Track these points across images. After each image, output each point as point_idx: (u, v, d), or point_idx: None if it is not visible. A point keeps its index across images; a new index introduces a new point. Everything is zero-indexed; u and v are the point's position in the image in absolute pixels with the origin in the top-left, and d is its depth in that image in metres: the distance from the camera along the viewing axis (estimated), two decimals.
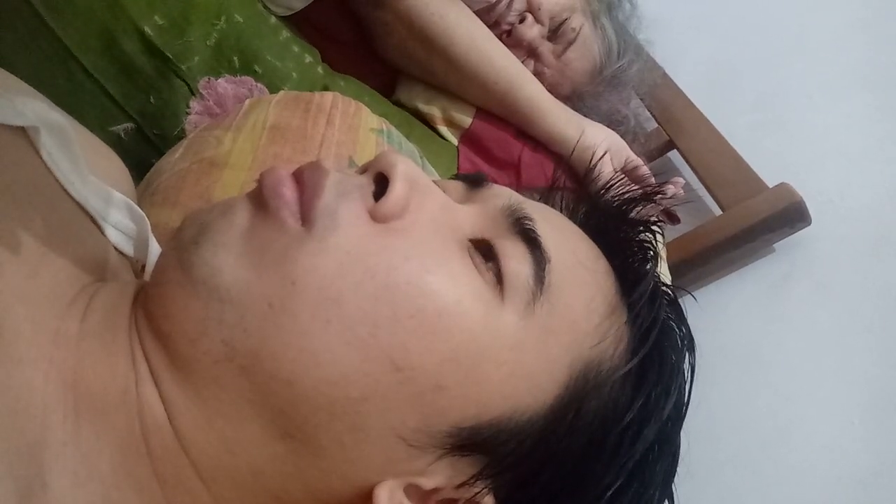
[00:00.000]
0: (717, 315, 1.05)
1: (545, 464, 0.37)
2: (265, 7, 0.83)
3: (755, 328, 1.03)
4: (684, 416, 0.41)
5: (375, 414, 0.33)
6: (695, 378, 0.42)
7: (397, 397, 0.33)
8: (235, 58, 0.78)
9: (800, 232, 1.04)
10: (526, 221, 0.38)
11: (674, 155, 1.30)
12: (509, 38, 1.03)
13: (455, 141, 0.98)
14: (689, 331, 0.43)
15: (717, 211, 1.13)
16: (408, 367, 0.33)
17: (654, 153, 1.30)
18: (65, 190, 0.40)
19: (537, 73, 1.03)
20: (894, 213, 1.02)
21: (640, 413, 0.38)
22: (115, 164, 0.54)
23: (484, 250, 0.37)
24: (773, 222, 1.03)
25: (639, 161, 0.98)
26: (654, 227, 0.47)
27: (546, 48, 1.06)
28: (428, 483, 0.35)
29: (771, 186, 1.05)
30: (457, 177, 0.45)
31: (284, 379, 0.32)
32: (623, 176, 0.86)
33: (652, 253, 0.46)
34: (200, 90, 0.76)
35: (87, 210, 0.42)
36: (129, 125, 0.75)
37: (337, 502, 0.36)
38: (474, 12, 0.91)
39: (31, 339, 0.31)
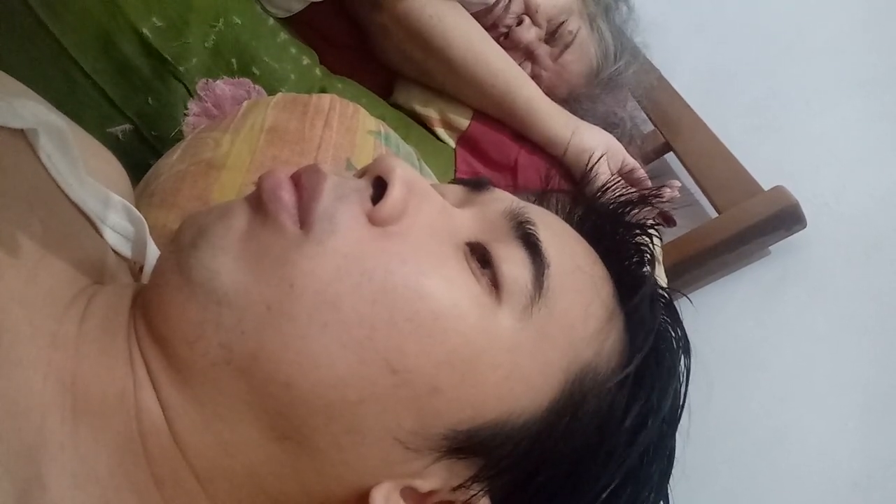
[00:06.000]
0: (712, 317, 1.05)
1: (541, 466, 0.37)
2: (263, 9, 0.83)
3: (750, 330, 1.04)
4: (679, 418, 0.42)
5: (372, 416, 0.33)
6: (690, 380, 0.43)
7: (394, 400, 0.33)
8: (233, 59, 0.78)
9: (795, 235, 1.05)
10: (528, 226, 0.38)
11: (670, 157, 1.31)
12: (506, 40, 1.03)
13: (452, 143, 0.98)
14: (685, 333, 0.44)
15: (713, 213, 1.13)
16: (404, 369, 0.33)
17: (651, 156, 1.31)
18: (63, 192, 0.40)
19: (534, 76, 1.03)
20: (889, 216, 1.02)
21: (635, 416, 0.39)
22: (113, 166, 0.54)
23: (481, 254, 0.37)
24: (768, 225, 1.03)
25: (635, 164, 0.98)
26: (651, 231, 0.47)
27: (543, 51, 1.06)
28: (424, 485, 0.35)
29: (766, 189, 1.06)
30: (460, 181, 0.45)
31: (282, 381, 0.32)
32: (619, 178, 0.87)
33: (649, 256, 0.46)
34: (198, 92, 0.76)
35: (86, 212, 0.42)
36: (127, 126, 0.75)
37: None
38: (471, 14, 0.92)
39: (29, 341, 0.31)
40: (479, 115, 0.97)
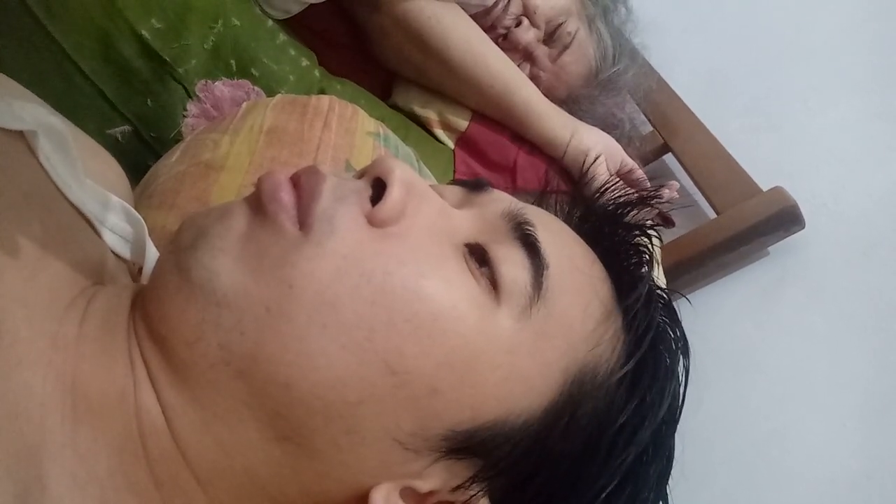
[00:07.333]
0: (711, 318, 1.05)
1: (540, 466, 0.37)
2: (262, 10, 0.83)
3: (749, 331, 1.04)
4: (678, 418, 0.42)
5: (371, 417, 0.33)
6: (689, 381, 0.43)
7: (393, 401, 0.33)
8: (232, 61, 0.78)
9: (793, 235, 1.04)
10: (527, 227, 0.39)
11: (669, 158, 1.31)
12: (505, 41, 1.03)
13: (451, 144, 0.98)
14: (684, 334, 0.44)
15: (712, 214, 1.13)
16: (403, 370, 0.33)
17: (649, 156, 1.31)
18: (62, 194, 0.40)
19: (533, 77, 1.03)
20: (888, 216, 1.02)
21: (634, 416, 0.39)
22: (112, 168, 0.54)
23: (480, 255, 0.37)
24: (766, 226, 1.03)
25: (634, 165, 0.98)
26: (651, 231, 0.47)
27: (542, 52, 1.06)
28: (424, 486, 0.35)
29: (765, 190, 1.06)
30: (458, 182, 0.45)
31: (281, 382, 0.32)
32: (618, 179, 0.87)
33: (647, 257, 0.46)
34: (197, 93, 0.76)
35: (85, 214, 0.42)
36: (126, 128, 0.75)
37: None
38: (470, 16, 0.92)
39: (29, 341, 0.31)
40: (478, 116, 0.97)
